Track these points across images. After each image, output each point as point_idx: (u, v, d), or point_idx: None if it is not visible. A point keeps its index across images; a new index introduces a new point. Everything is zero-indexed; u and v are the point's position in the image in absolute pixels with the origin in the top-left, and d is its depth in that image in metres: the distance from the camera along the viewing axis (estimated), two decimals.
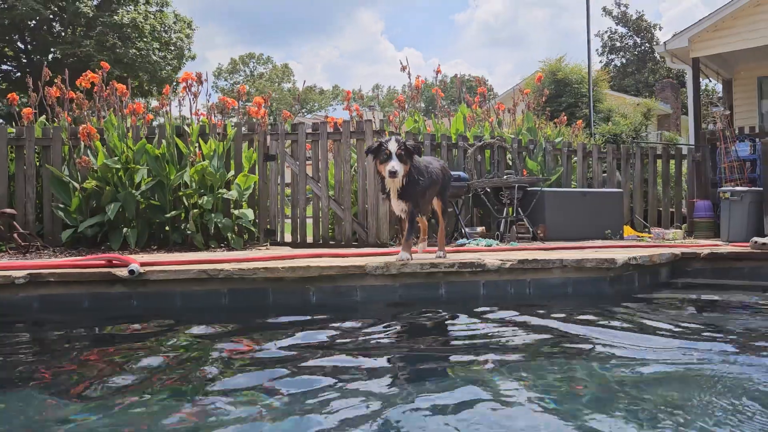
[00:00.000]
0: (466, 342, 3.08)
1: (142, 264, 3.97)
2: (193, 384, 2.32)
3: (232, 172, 6.97)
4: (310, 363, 2.57)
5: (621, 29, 40.45)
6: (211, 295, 3.94)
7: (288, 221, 7.44)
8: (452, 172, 7.48)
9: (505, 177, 7.95)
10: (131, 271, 3.73)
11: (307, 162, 7.37)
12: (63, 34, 22.82)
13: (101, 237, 6.59)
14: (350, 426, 1.79)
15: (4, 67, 25.16)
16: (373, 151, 4.44)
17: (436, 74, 9.82)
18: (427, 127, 8.76)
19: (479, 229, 7.95)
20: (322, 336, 3.15)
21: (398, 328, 3.48)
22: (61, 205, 6.70)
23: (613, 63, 40.27)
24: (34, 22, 22.09)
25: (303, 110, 61.10)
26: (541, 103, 9.91)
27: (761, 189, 8.12)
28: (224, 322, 3.53)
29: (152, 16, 22.72)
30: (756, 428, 1.72)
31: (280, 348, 2.88)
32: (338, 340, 3.06)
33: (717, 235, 8.31)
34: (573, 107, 12.22)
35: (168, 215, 6.59)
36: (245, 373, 2.47)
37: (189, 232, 6.59)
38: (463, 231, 7.60)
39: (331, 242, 7.16)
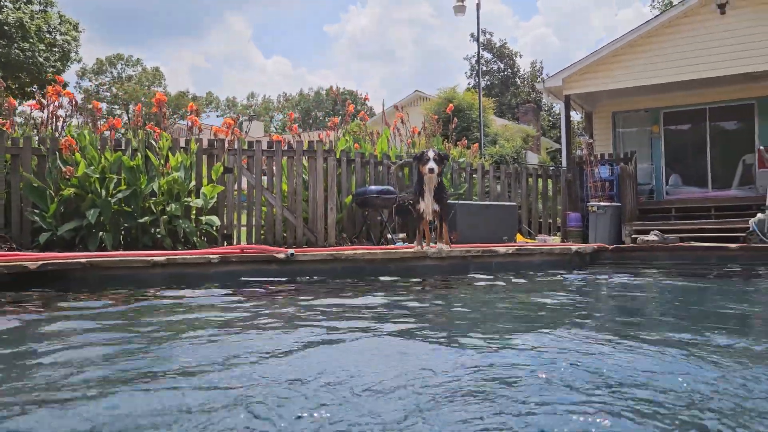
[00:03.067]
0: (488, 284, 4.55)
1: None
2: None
3: (193, 183, 7.84)
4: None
5: (487, 54, 44.20)
6: (331, 269, 5.79)
7: (243, 228, 8.38)
8: (381, 187, 8.89)
9: None
10: (290, 254, 5.48)
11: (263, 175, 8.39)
12: None
13: (78, 240, 7.18)
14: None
15: None
16: (418, 158, 6.44)
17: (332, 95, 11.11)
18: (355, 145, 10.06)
19: (401, 234, 9.40)
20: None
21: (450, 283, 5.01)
22: (36, 211, 7.20)
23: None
24: None
25: (175, 116, 59.75)
26: (439, 130, 11.55)
27: (619, 204, 10.34)
28: (343, 280, 5.45)
29: (37, 16, 22.00)
30: None
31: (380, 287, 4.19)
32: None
33: (585, 240, 10.37)
34: (466, 131, 14.10)
35: (141, 220, 7.34)
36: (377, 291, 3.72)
37: (159, 235, 7.38)
38: (389, 236, 8.98)
39: (284, 246, 8.22)
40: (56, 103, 7.90)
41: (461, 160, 10.78)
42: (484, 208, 9.75)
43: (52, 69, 23.33)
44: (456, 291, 4.95)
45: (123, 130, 8.66)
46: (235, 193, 8.17)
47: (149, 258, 4.88)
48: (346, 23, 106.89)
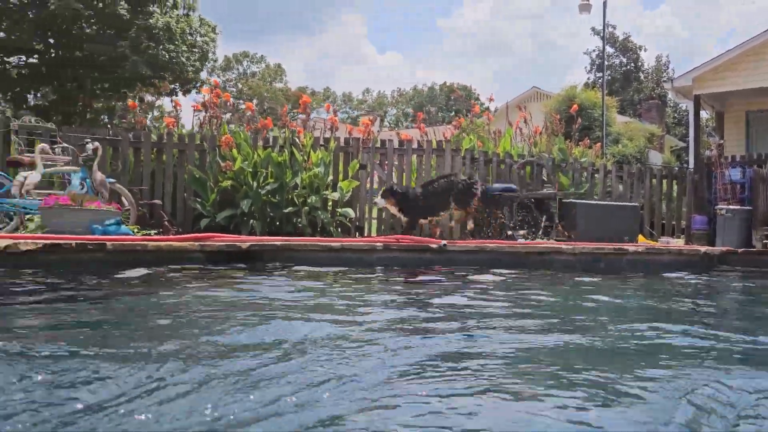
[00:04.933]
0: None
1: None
2: None
3: (330, 177, 8.57)
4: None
5: (609, 48, 42.69)
6: (476, 259, 6.26)
7: (374, 221, 9.03)
8: (504, 184, 9.22)
9: (549, 190, 9.67)
10: (443, 245, 6.10)
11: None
12: (94, 33, 23.97)
13: (233, 226, 8.13)
14: None
15: (30, 60, 26.18)
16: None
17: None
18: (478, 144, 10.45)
19: (521, 231, 9.69)
20: None
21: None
22: (198, 200, 8.22)
23: (600, 80, 42.52)
24: (67, 19, 23.19)
25: (294, 110, 62.66)
26: (562, 129, 11.65)
27: (750, 208, 10.03)
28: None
29: (181, 20, 24.05)
30: None
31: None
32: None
33: (711, 243, 10.14)
34: (587, 130, 14.05)
35: (285, 211, 8.16)
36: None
37: (301, 224, 8.17)
38: (509, 233, 9.31)
39: None
40: (213, 104, 8.87)
41: (583, 159, 10.86)
42: (605, 208, 9.81)
43: (191, 68, 25.42)
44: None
45: (240, 122, 9.51)
46: (368, 187, 8.83)
47: (326, 243, 5.75)
48: (459, 17, 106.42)
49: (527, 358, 2.16)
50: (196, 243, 4.59)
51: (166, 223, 7.90)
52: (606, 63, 42.78)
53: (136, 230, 6.67)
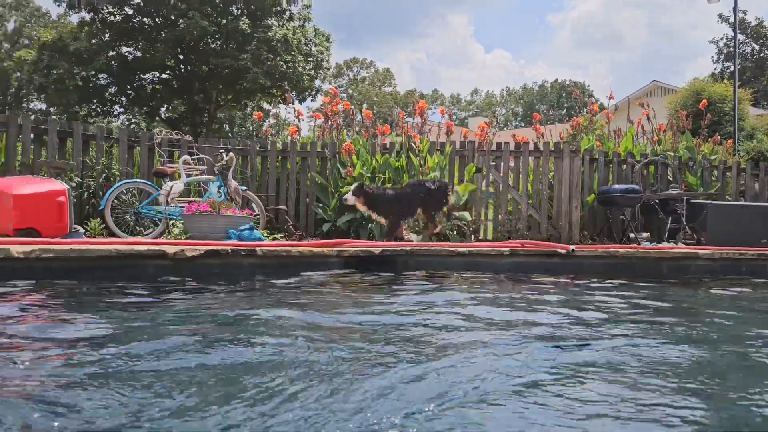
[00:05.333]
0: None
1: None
2: None
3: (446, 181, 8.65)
4: None
5: (739, 36, 39.67)
6: (605, 264, 6.16)
7: (489, 223, 9.02)
8: (625, 185, 8.88)
9: (675, 191, 9.21)
10: (571, 250, 6.01)
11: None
12: (218, 48, 25.61)
13: (353, 230, 8.42)
14: None
15: (163, 76, 28.40)
16: None
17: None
18: (597, 143, 10.12)
19: (645, 234, 9.28)
20: None
21: None
22: (320, 205, 8.60)
23: (729, 70, 39.60)
24: (195, 37, 24.95)
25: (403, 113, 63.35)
26: (688, 125, 10.99)
27: None
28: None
29: (297, 31, 25.15)
30: None
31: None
32: None
33: None
34: (717, 125, 13.19)
35: None
36: None
37: (417, 228, 8.31)
38: (631, 235, 8.95)
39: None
40: (333, 112, 9.22)
41: (713, 157, 10.23)
42: (740, 209, 9.19)
43: (307, 77, 26.49)
44: None
45: (357, 129, 9.77)
46: (483, 190, 8.83)
47: (453, 248, 5.84)
48: (570, 11, 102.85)
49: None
50: (334, 249, 4.82)
51: (291, 227, 8.33)
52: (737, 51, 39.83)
53: (265, 234, 7.08)
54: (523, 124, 66.08)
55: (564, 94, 66.62)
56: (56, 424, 1.31)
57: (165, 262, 3.13)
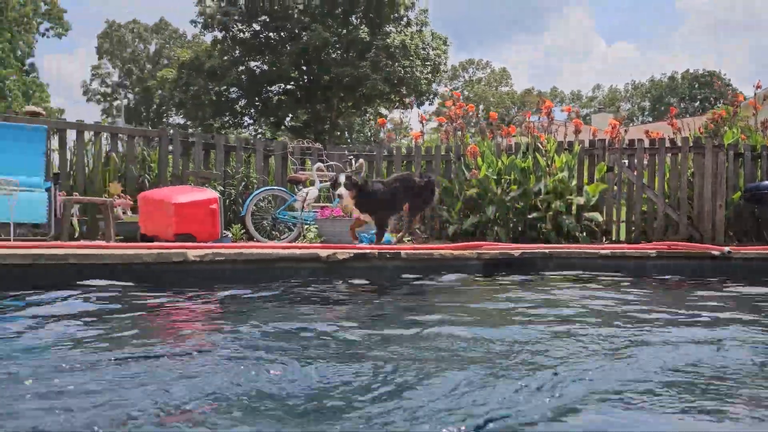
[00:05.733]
0: None
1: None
2: None
3: (574, 181, 8.39)
4: None
5: None
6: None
7: (621, 224, 8.65)
8: None
9: None
10: (727, 252, 5.59)
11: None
12: (339, 57, 26.48)
13: (478, 233, 8.40)
14: None
15: (288, 87, 29.80)
16: None
17: None
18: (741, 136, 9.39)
19: None
20: None
21: None
22: (445, 207, 8.65)
23: None
24: (317, 47, 25.97)
25: (519, 113, 62.04)
26: None
27: None
28: None
29: (415, 36, 25.46)
30: None
31: None
32: None
33: None
34: None
35: (529, 216, 8.20)
36: None
37: (545, 230, 8.13)
38: None
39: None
40: (456, 114, 9.25)
41: None
42: None
43: (425, 81, 26.71)
44: None
45: (473, 131, 9.68)
46: (615, 189, 8.48)
47: (594, 250, 5.71)
48: None
49: None
50: (474, 251, 4.84)
51: (416, 230, 8.46)
52: None
53: (394, 238, 7.26)
54: (650, 119, 62.45)
55: (697, 85, 62.23)
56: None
57: (318, 265, 3.31)
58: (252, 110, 30.55)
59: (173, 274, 2.90)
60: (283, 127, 32.33)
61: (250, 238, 7.40)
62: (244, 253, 3.11)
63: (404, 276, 3.66)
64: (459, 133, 9.11)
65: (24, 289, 2.79)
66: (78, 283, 2.86)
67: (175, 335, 2.34)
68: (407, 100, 10.33)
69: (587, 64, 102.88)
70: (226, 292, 2.92)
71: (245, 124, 32.66)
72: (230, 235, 6.46)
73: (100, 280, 2.90)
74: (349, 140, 43.16)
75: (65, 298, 2.68)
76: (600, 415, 1.52)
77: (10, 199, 5.15)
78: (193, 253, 2.92)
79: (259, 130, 35.91)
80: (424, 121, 9.85)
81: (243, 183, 8.44)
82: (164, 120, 51.72)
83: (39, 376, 1.68)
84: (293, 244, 5.84)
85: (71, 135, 7.67)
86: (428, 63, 26.26)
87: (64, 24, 41.82)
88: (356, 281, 3.40)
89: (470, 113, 9.35)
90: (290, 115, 30.58)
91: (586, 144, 8.62)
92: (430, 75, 26.80)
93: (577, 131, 8.50)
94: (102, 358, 1.92)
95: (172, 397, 1.53)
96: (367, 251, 3.64)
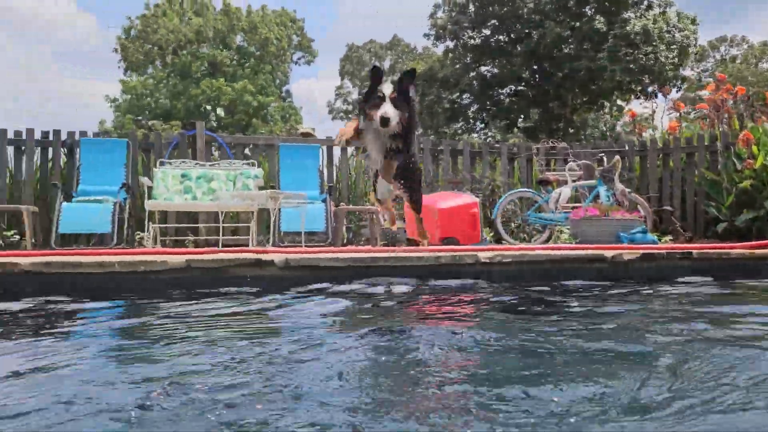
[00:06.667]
0: None
1: None
2: None
3: None
4: None
5: None
6: None
7: None
8: None
9: None
10: None
11: None
12: (572, 52, 25.54)
13: (755, 230, 7.47)
14: None
15: (519, 88, 29.58)
16: None
17: None
18: None
19: None
20: None
21: None
22: (712, 203, 7.86)
23: None
24: (548, 45, 25.35)
25: None
26: None
27: None
28: None
29: (658, 19, 23.55)
30: None
31: None
32: None
33: None
34: None
35: None
36: None
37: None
38: None
39: None
40: (722, 100, 8.36)
41: None
42: None
43: (670, 66, 24.52)
44: None
45: (726, 116, 8.46)
46: None
47: None
48: None
49: None
50: None
51: (678, 228, 7.82)
52: None
53: (657, 237, 6.80)
54: None
55: None
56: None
57: (603, 266, 3.26)
58: (483, 114, 30.90)
59: (465, 274, 3.08)
60: (515, 128, 32.13)
61: (499, 240, 7.50)
62: (527, 255, 3.18)
63: (689, 279, 3.39)
64: (726, 119, 8.22)
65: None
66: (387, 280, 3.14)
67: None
68: (663, 89, 9.50)
69: None
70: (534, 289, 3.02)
71: (477, 128, 33.14)
72: (488, 238, 6.63)
73: (405, 278, 3.14)
74: (583, 137, 41.31)
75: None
76: None
77: (301, 211, 5.93)
78: (483, 255, 3.08)
79: (489, 134, 36.15)
80: (681, 110, 9.06)
81: (489, 187, 8.59)
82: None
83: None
84: (562, 245, 5.79)
85: (336, 151, 8.53)
86: (674, 47, 24.02)
87: (312, 52, 46.67)
88: (641, 280, 3.25)
89: (739, 97, 8.37)
90: (522, 116, 30.30)
91: None
92: (676, 59, 24.50)
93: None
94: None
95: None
96: (655, 251, 3.46)
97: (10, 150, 7.32)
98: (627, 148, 8.62)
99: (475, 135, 34.64)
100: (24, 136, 7.26)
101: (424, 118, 31.29)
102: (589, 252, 3.34)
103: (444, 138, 28.41)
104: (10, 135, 7.23)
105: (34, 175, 7.36)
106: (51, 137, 7.36)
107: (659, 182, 8.52)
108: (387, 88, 3.39)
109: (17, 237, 7.07)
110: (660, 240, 7.46)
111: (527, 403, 1.45)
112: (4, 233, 7.06)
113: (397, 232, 6.71)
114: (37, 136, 7.32)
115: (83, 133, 7.39)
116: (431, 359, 1.91)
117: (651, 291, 3.22)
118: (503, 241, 7.34)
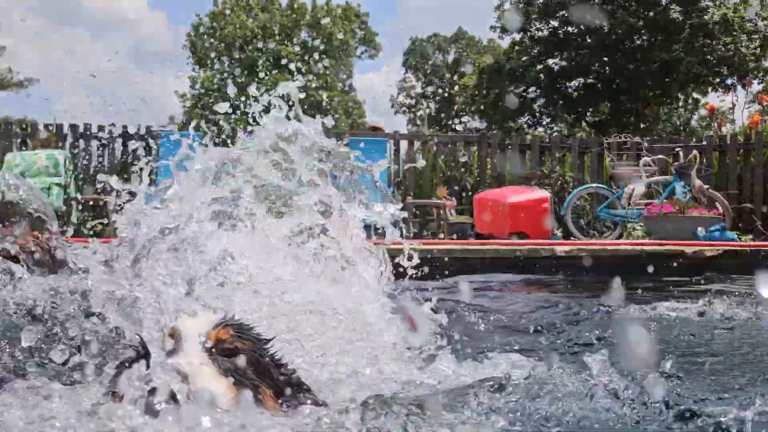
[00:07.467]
0: None
1: None
2: None
3: None
4: None
5: None
6: None
7: None
8: None
9: None
10: None
11: None
12: (644, 44, 24.67)
13: None
14: None
15: (587, 81, 28.79)
16: None
17: None
18: None
19: None
20: None
21: None
22: None
23: None
24: (619, 36, 24.57)
25: None
26: None
27: None
28: None
29: (740, 8, 22.44)
30: None
31: None
32: None
33: None
34: None
35: None
36: None
37: None
38: None
39: None
40: None
41: None
42: None
43: (752, 57, 23.30)
44: None
45: None
46: None
47: None
48: None
49: None
50: None
51: (759, 227, 7.49)
52: None
53: (737, 236, 6.54)
54: None
55: None
56: None
57: (682, 261, 3.19)
58: (551, 108, 30.25)
59: (542, 267, 3.09)
60: (583, 122, 31.29)
61: (567, 236, 7.36)
62: (607, 249, 3.15)
63: None
64: None
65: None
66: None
67: None
68: (746, 80, 9.06)
69: None
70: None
71: (543, 122, 32.46)
72: (559, 233, 6.54)
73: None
74: (655, 132, 39.78)
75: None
76: None
77: None
78: (560, 249, 3.08)
79: (555, 128, 35.33)
80: (764, 102, 8.64)
81: (559, 182, 8.45)
82: (462, 124, 54.15)
83: None
84: (640, 241, 5.67)
85: (403, 145, 8.58)
86: (756, 36, 22.79)
87: (376, 46, 46.85)
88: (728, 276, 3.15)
89: None
90: (590, 110, 29.48)
91: None
92: (758, 50, 23.25)
93: None
94: None
95: None
96: (738, 248, 3.36)
97: (94, 144, 7.73)
98: (705, 143, 8.30)
99: (541, 129, 33.94)
100: (106, 131, 7.66)
101: (489, 114, 30.94)
102: (668, 248, 3.27)
103: (512, 132, 28.05)
104: (94, 129, 7.64)
105: (116, 168, 7.75)
106: (132, 131, 7.73)
107: (739, 179, 8.16)
108: None
109: (101, 226, 7.46)
110: (740, 239, 7.16)
111: None
112: (89, 223, 7.46)
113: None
114: (118, 131, 7.70)
115: (162, 128, 7.73)
116: None
117: None
118: (572, 238, 7.21)
